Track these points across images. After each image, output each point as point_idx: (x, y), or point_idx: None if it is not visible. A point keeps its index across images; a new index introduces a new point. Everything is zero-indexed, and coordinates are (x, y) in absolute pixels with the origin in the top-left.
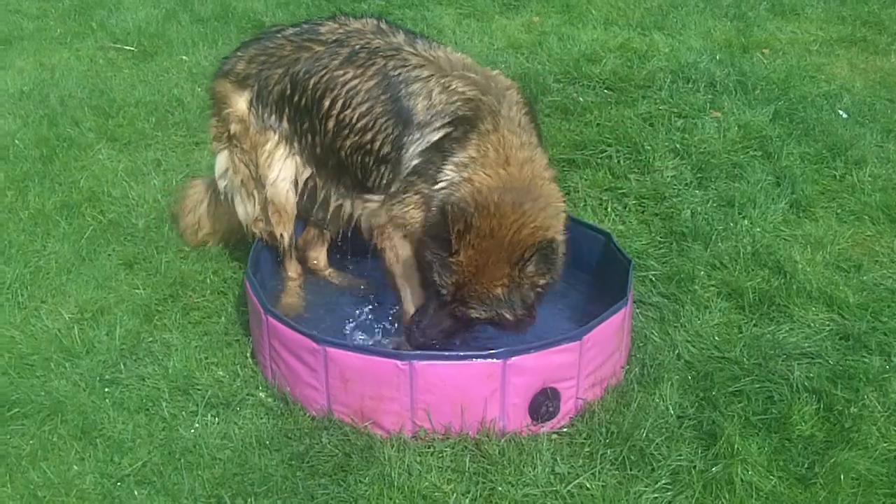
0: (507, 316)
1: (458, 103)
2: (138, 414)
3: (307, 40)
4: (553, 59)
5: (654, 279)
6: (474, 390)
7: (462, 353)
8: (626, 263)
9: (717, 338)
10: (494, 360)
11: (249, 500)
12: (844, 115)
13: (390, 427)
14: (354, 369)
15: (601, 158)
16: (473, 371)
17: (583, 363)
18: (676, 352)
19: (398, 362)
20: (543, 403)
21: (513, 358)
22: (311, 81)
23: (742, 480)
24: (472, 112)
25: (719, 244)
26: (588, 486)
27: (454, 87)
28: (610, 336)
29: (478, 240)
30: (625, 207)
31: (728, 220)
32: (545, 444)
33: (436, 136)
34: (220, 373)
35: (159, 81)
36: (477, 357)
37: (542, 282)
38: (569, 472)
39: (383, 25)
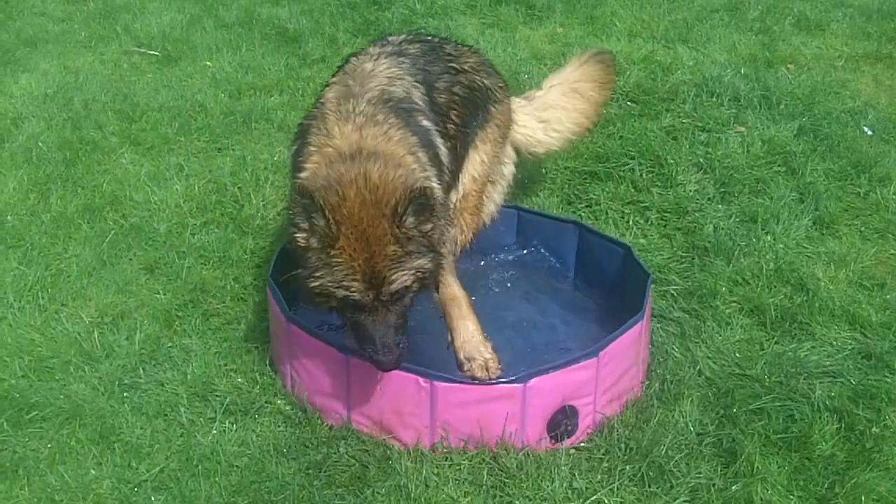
0: (426, 264)
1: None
2: (156, 419)
3: None
4: None
5: (675, 294)
6: (494, 412)
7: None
8: (644, 277)
9: (738, 354)
10: (515, 385)
11: None
12: (869, 132)
13: (408, 441)
14: (377, 382)
15: (624, 171)
16: (494, 393)
17: (600, 379)
18: (697, 368)
19: (420, 379)
20: (562, 422)
21: (532, 380)
22: None
23: (762, 500)
24: (317, 113)
25: (741, 260)
26: (606, 501)
27: (325, 96)
28: (626, 350)
29: (346, 213)
30: (647, 221)
31: (751, 236)
32: (563, 458)
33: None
34: (239, 379)
35: (182, 86)
36: (498, 382)
37: (428, 227)
38: (587, 488)
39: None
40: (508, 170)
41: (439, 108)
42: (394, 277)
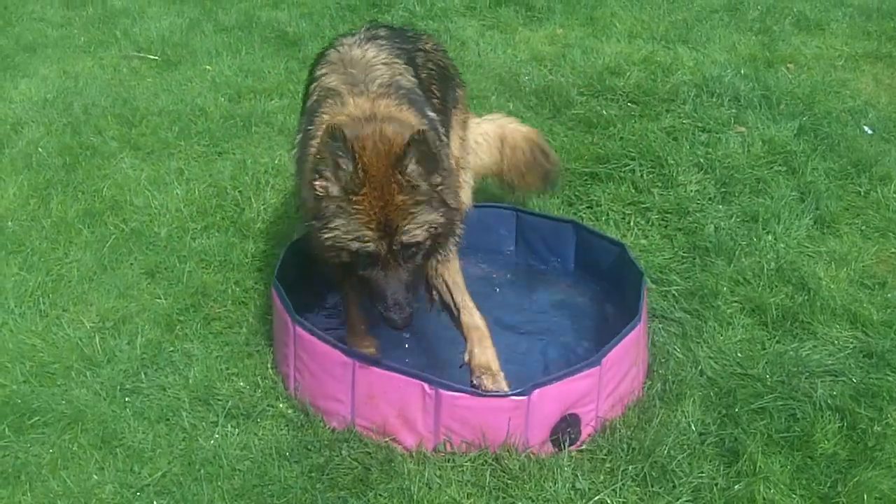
0: (438, 219)
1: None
2: (158, 424)
3: None
4: (576, 72)
5: (676, 294)
6: (498, 421)
7: (489, 392)
8: (638, 276)
9: (739, 354)
10: (519, 397)
11: None
12: (869, 131)
13: (411, 444)
14: (382, 386)
15: (624, 172)
16: (498, 405)
17: (602, 386)
18: (699, 368)
19: (426, 386)
20: (565, 431)
21: (536, 391)
22: None
23: (764, 499)
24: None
25: (742, 260)
26: (609, 502)
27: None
28: (626, 354)
29: (367, 161)
30: (647, 222)
31: (751, 236)
32: (566, 459)
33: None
34: (241, 383)
35: (182, 91)
36: (504, 395)
37: (437, 180)
38: (589, 489)
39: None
40: (472, 160)
41: (425, 85)
42: (406, 228)
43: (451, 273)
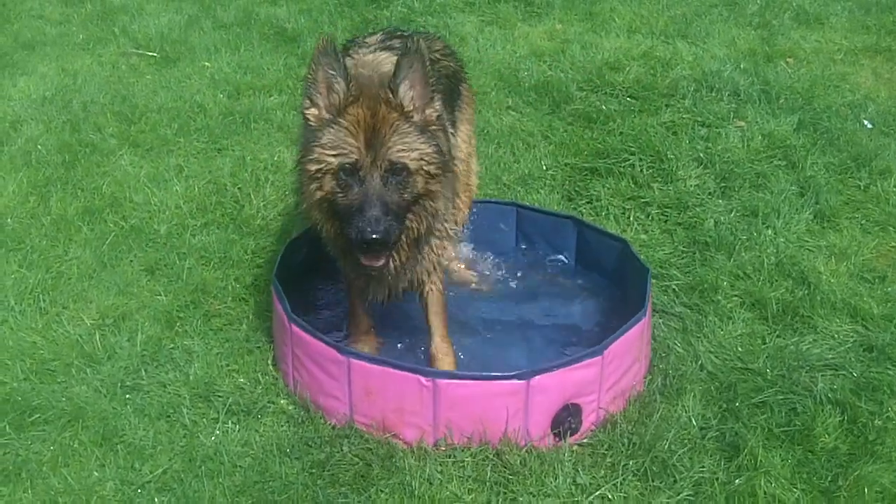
0: (428, 150)
1: None
2: (159, 421)
3: None
4: (576, 67)
5: (676, 289)
6: (497, 409)
7: (486, 374)
8: (644, 272)
9: (740, 349)
10: (518, 381)
11: None
12: (869, 125)
13: (411, 439)
14: (378, 382)
15: (624, 167)
16: (497, 390)
17: (604, 377)
18: (699, 362)
19: (422, 378)
20: (566, 420)
21: (536, 377)
22: None
23: (765, 493)
24: None
25: (742, 254)
26: (610, 497)
27: None
28: (630, 348)
29: (361, 86)
30: (647, 216)
31: (751, 230)
32: (567, 454)
33: None
34: (242, 380)
35: (181, 87)
36: (500, 377)
37: (431, 111)
38: (590, 483)
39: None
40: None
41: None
42: (393, 142)
43: (436, 297)
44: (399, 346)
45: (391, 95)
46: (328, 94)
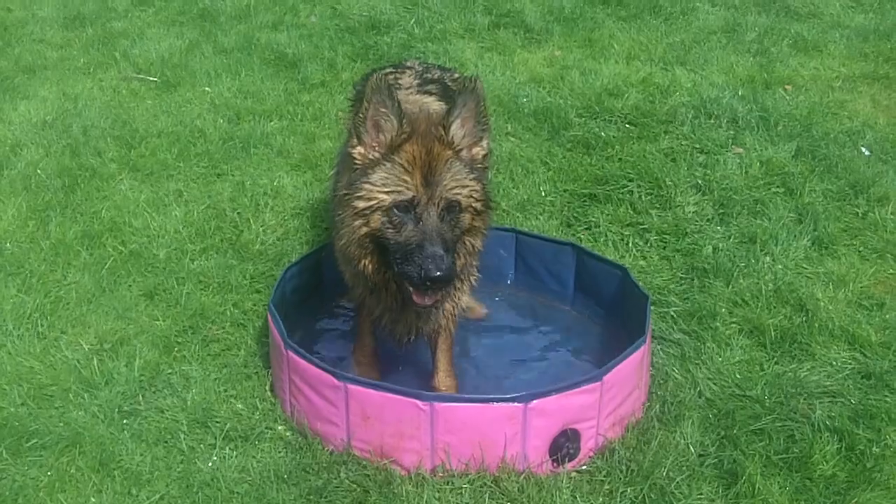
0: (477, 187)
1: None
2: (156, 446)
3: None
4: (575, 94)
5: (675, 315)
6: (495, 433)
7: (483, 397)
8: (643, 299)
9: (738, 375)
10: (516, 404)
11: None
12: (867, 153)
13: (409, 465)
14: (375, 407)
15: (623, 193)
16: (494, 413)
17: (603, 403)
18: (697, 389)
19: (419, 402)
20: (564, 445)
21: (534, 401)
22: None
23: None
24: None
25: (741, 281)
26: None
27: None
28: (630, 374)
29: (413, 121)
30: (646, 243)
31: (750, 257)
32: (565, 481)
33: None
34: (239, 406)
35: (182, 112)
36: (498, 400)
37: (478, 150)
38: None
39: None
40: None
41: None
42: (449, 179)
43: (446, 336)
44: (399, 368)
45: (444, 133)
46: (377, 132)
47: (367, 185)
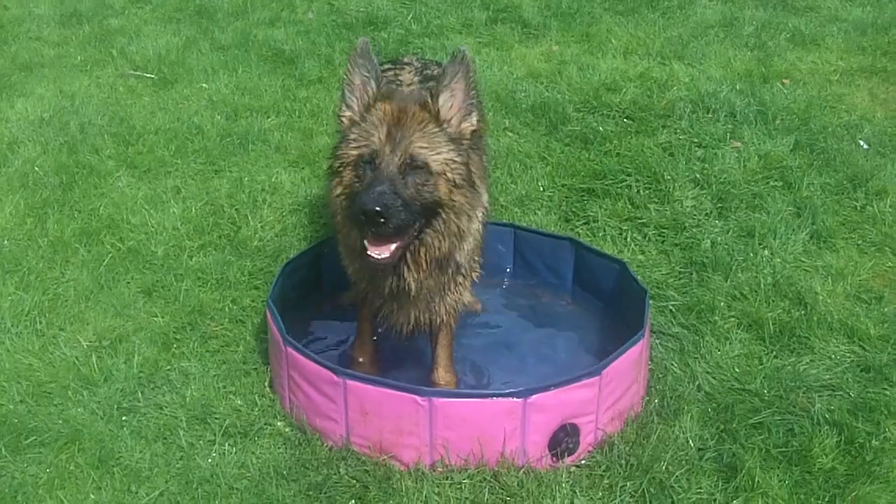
0: (456, 159)
1: None
2: (156, 443)
3: None
4: (572, 89)
5: (673, 310)
6: (494, 428)
7: (482, 392)
8: (642, 293)
9: (737, 369)
10: (515, 399)
11: None
12: (865, 146)
13: (409, 460)
14: (374, 402)
15: (621, 188)
16: (493, 409)
17: (602, 397)
18: (696, 383)
19: (418, 398)
20: (563, 440)
21: (533, 396)
22: None
23: None
24: None
25: (739, 275)
26: None
27: None
28: (628, 369)
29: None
30: (644, 237)
31: (748, 251)
32: (564, 476)
33: None
34: (238, 402)
35: (179, 109)
36: (497, 395)
37: (467, 125)
38: None
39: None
40: None
41: None
42: (417, 137)
43: (447, 331)
44: (399, 364)
45: (430, 99)
46: (362, 96)
47: (341, 145)
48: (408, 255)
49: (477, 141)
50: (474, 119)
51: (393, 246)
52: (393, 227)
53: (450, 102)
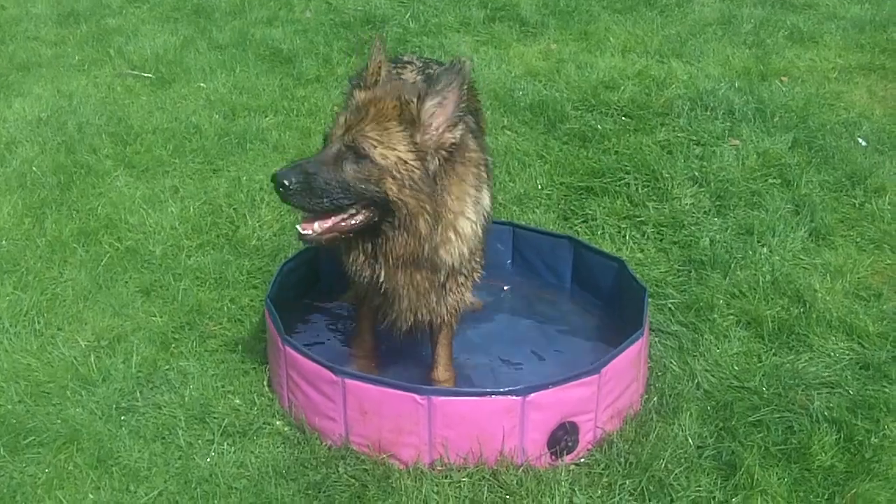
0: (413, 163)
1: None
2: (154, 442)
3: None
4: (571, 87)
5: (672, 308)
6: (493, 426)
7: (481, 390)
8: (641, 291)
9: (736, 367)
10: (514, 397)
11: None
12: (864, 143)
13: (408, 459)
14: (373, 401)
15: (619, 186)
16: (492, 407)
17: (601, 396)
18: (695, 381)
19: (417, 396)
20: (562, 438)
21: (532, 394)
22: None
23: None
24: None
25: (738, 272)
26: None
27: None
28: (627, 367)
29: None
30: (643, 235)
31: (747, 249)
32: (563, 474)
33: None
34: (237, 401)
35: (177, 108)
36: (496, 393)
37: (449, 136)
38: (587, 503)
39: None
40: None
41: None
42: (370, 129)
43: (447, 331)
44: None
45: (413, 100)
46: (360, 82)
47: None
48: (376, 249)
49: (461, 153)
50: (458, 132)
51: (317, 224)
52: (297, 203)
53: (436, 109)
